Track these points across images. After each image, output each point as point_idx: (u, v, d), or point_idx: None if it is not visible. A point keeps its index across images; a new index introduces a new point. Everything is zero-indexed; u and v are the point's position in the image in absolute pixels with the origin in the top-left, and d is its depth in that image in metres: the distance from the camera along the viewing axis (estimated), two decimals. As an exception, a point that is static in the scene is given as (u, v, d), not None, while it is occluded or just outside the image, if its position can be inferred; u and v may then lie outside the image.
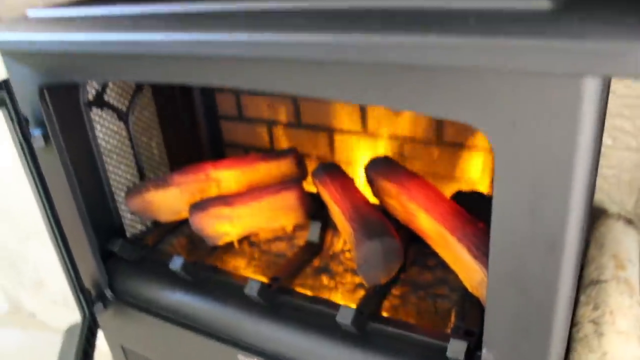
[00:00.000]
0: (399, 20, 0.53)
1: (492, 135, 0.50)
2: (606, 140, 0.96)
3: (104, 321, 1.13)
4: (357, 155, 1.22)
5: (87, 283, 1.08)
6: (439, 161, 1.13)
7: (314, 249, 1.03)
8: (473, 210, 0.84)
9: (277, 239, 1.10)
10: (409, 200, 0.89)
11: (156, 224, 1.18)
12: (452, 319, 0.83)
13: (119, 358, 1.19)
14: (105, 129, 1.09)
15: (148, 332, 1.06)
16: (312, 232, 1.04)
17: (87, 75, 0.84)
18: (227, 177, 1.11)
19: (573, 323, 0.77)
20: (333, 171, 1.06)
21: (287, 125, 1.29)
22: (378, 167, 1.00)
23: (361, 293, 0.90)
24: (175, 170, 1.14)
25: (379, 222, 0.88)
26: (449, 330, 0.79)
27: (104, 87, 1.05)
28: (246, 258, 1.07)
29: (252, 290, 0.87)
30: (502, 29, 0.46)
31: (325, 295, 0.93)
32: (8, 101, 0.87)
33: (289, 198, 1.04)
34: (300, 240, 1.07)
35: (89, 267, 1.06)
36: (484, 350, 0.65)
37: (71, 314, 1.52)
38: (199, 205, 1.02)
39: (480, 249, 0.75)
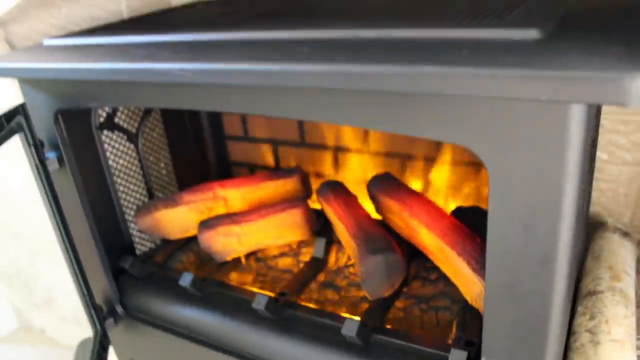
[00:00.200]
0: (400, 50, 0.56)
1: (485, 156, 0.54)
2: (602, 155, 0.99)
3: (114, 336, 1.15)
4: (360, 173, 1.25)
5: (99, 299, 1.11)
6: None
7: (319, 265, 1.06)
8: (472, 226, 0.87)
9: (283, 255, 1.13)
10: (410, 217, 0.93)
11: (165, 241, 1.21)
12: (454, 330, 0.86)
13: (130, 373, 1.22)
14: (115, 150, 1.13)
15: (158, 347, 1.09)
16: (317, 248, 1.07)
17: (100, 101, 0.88)
18: (234, 195, 1.15)
19: (570, 333, 0.80)
20: (337, 189, 1.10)
21: (291, 144, 1.32)
22: (380, 185, 1.03)
23: (365, 306, 0.93)
24: (183, 189, 1.17)
25: (382, 238, 0.91)
26: (450, 341, 0.82)
27: (114, 110, 1.09)
28: (253, 274, 1.10)
29: (259, 305, 0.90)
30: (494, 59, 0.49)
31: (330, 308, 0.96)
32: (25, 126, 0.91)
33: (295, 215, 1.07)
34: (305, 256, 1.10)
35: (100, 284, 1.09)
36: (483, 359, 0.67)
37: (81, 330, 1.55)
38: (208, 223, 1.06)
39: (479, 262, 0.78)
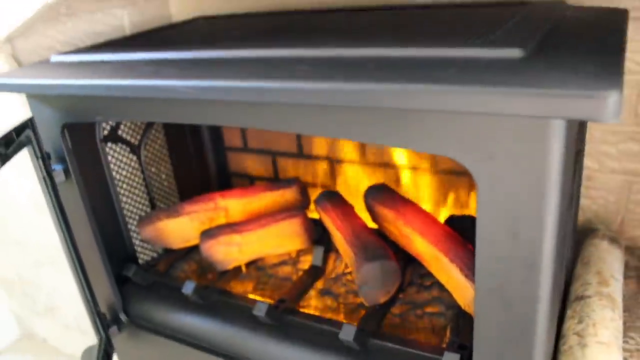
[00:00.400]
0: (393, 68, 0.60)
1: (472, 168, 0.57)
2: (592, 164, 1.02)
3: (118, 343, 1.18)
4: (357, 183, 1.29)
5: (103, 307, 1.13)
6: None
7: (317, 272, 1.09)
8: (465, 233, 0.91)
9: (282, 263, 1.16)
10: (405, 225, 0.96)
11: (167, 250, 1.24)
12: (448, 334, 0.89)
13: (133, 379, 1.24)
14: (118, 162, 1.16)
15: (161, 354, 1.12)
16: (316, 257, 1.10)
17: (106, 116, 0.91)
18: (234, 205, 1.18)
19: (559, 336, 0.83)
20: (334, 199, 1.13)
21: (290, 155, 1.36)
22: (376, 195, 1.07)
23: (362, 312, 0.95)
24: (185, 199, 1.20)
25: (378, 246, 0.95)
26: (444, 345, 0.85)
27: (118, 123, 1.13)
28: (254, 282, 1.13)
29: (260, 311, 0.93)
30: (479, 77, 0.53)
31: (328, 315, 0.99)
32: (33, 139, 0.94)
33: (293, 225, 1.10)
34: (304, 264, 1.14)
35: (104, 292, 1.12)
36: (474, 361, 0.71)
37: (84, 339, 1.57)
38: (209, 233, 1.09)
39: (471, 269, 0.81)
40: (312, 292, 1.05)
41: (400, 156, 1.19)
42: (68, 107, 0.92)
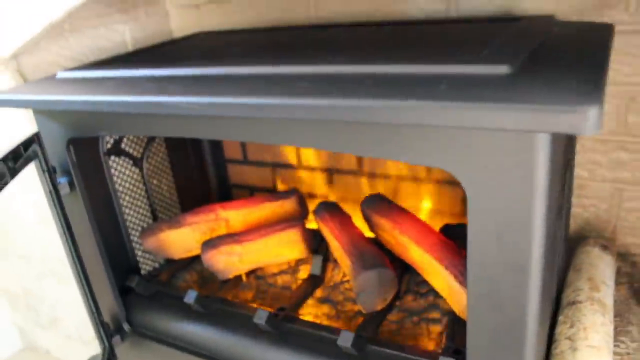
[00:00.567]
0: (387, 85, 0.63)
1: (462, 178, 0.60)
2: (583, 173, 1.05)
3: (121, 353, 1.20)
4: (354, 193, 1.31)
5: (106, 317, 1.16)
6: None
7: (316, 281, 1.11)
8: (459, 241, 0.93)
9: (282, 272, 1.18)
10: (401, 234, 0.99)
11: (169, 261, 1.26)
12: (443, 340, 0.92)
13: (136, 388, 1.26)
14: (121, 175, 1.19)
15: (163, 362, 1.14)
16: (314, 266, 1.13)
17: (110, 130, 0.94)
18: (235, 216, 1.21)
19: (552, 341, 0.85)
20: (332, 209, 1.16)
21: (289, 167, 1.39)
22: (373, 204, 1.09)
23: (360, 319, 0.98)
24: (186, 211, 1.23)
25: (375, 255, 0.97)
26: (440, 351, 0.88)
27: (121, 137, 1.16)
28: (254, 291, 1.15)
29: (260, 319, 0.95)
30: (468, 93, 0.56)
31: (327, 322, 1.01)
32: (40, 153, 0.97)
33: (292, 235, 1.13)
34: (303, 273, 1.16)
35: (107, 302, 1.14)
36: (468, 365, 0.73)
37: (86, 349, 1.59)
38: (210, 243, 1.11)
39: (465, 275, 0.83)
40: (311, 301, 1.08)
41: (396, 167, 1.22)
42: (73, 122, 0.95)
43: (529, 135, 0.55)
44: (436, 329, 0.96)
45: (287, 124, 0.70)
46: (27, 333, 1.84)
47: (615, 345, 0.87)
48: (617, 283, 1.01)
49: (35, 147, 0.95)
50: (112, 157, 1.16)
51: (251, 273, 1.19)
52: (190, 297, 1.05)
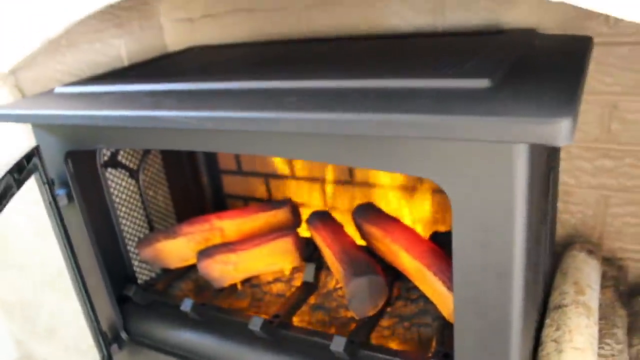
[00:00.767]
0: (374, 98, 0.66)
1: (446, 187, 0.63)
2: (570, 180, 1.08)
3: (119, 361, 1.22)
4: (346, 202, 1.34)
5: (104, 326, 1.17)
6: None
7: (309, 288, 1.14)
8: (447, 248, 0.95)
9: (276, 280, 1.20)
10: (391, 242, 1.01)
11: (165, 270, 1.28)
12: (433, 344, 0.94)
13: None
14: (118, 186, 1.21)
15: (161, 370, 1.16)
16: (308, 273, 1.15)
17: (107, 143, 0.97)
18: (229, 226, 1.23)
19: (538, 343, 0.88)
20: (324, 218, 1.19)
21: (282, 177, 1.41)
22: (364, 213, 1.12)
23: (353, 325, 1.00)
24: (182, 221, 1.25)
25: (365, 262, 1.00)
26: (430, 355, 0.90)
27: (117, 149, 1.18)
28: (249, 298, 1.17)
29: (255, 326, 0.98)
30: (450, 107, 0.59)
31: (321, 328, 1.04)
32: (40, 166, 0.99)
33: (286, 243, 1.15)
34: (297, 281, 1.18)
35: (105, 312, 1.16)
36: (455, 368, 0.76)
37: (83, 359, 1.60)
38: (206, 252, 1.14)
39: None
40: (305, 307, 1.10)
41: (386, 176, 1.25)
42: (71, 135, 0.97)
43: (507, 146, 0.58)
44: (426, 333, 0.98)
45: (277, 136, 0.73)
46: (24, 343, 1.85)
47: (600, 347, 0.89)
48: (603, 286, 1.03)
49: (35, 160, 0.97)
50: (109, 169, 1.18)
51: (246, 281, 1.21)
52: (187, 305, 1.07)
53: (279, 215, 1.26)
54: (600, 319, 0.95)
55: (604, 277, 1.05)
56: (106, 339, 1.17)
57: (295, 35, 1.23)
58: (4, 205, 0.95)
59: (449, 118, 0.56)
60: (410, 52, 0.96)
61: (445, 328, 0.93)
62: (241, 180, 1.48)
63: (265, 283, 1.20)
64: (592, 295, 0.95)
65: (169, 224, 1.37)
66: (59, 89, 1.02)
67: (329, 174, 1.33)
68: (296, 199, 1.40)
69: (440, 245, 0.98)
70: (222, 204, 1.52)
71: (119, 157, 1.20)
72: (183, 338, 1.10)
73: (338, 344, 0.89)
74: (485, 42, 0.89)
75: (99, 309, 1.16)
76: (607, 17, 0.93)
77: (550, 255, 1.03)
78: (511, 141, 0.56)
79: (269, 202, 1.32)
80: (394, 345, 0.98)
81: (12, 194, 0.94)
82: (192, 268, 1.23)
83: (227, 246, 1.15)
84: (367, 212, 1.12)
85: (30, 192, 1.04)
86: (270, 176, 1.43)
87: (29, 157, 0.96)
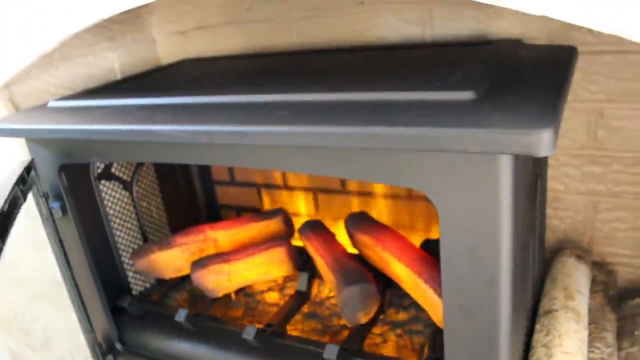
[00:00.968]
0: (361, 111, 0.67)
1: (434, 197, 0.64)
2: (559, 186, 1.09)
3: (114, 373, 1.23)
4: (339, 211, 1.35)
5: (99, 337, 1.18)
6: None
7: (302, 297, 1.15)
8: (439, 256, 0.96)
9: (270, 289, 1.22)
10: (383, 250, 1.02)
11: (160, 281, 1.29)
12: (426, 350, 0.95)
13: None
14: (112, 198, 1.22)
15: (156, 380, 1.17)
16: (301, 282, 1.16)
17: (100, 157, 0.98)
18: (223, 236, 1.24)
19: (529, 348, 0.89)
20: (316, 228, 1.20)
21: (275, 187, 1.42)
22: (356, 222, 1.13)
23: (346, 333, 1.01)
24: (175, 232, 1.26)
25: (357, 270, 1.01)
26: (422, 361, 0.92)
27: (111, 162, 1.19)
28: (243, 308, 1.18)
29: (249, 335, 0.98)
30: (435, 119, 0.60)
31: (314, 337, 1.05)
32: (36, 179, 1.00)
33: (279, 253, 1.16)
34: (290, 290, 1.19)
35: (100, 323, 1.17)
36: (446, 373, 0.77)
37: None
38: (200, 263, 1.14)
39: (443, 288, 0.88)
40: (299, 316, 1.11)
41: (379, 185, 1.26)
42: (65, 149, 0.98)
43: (492, 156, 0.59)
44: (419, 340, 1.00)
45: (268, 149, 0.74)
46: (18, 355, 1.85)
47: (590, 351, 0.91)
48: (593, 291, 1.04)
49: (32, 175, 0.99)
50: (103, 182, 1.19)
51: (240, 291, 1.22)
52: (181, 315, 1.08)
53: (272, 225, 1.27)
54: (590, 323, 0.96)
55: (593, 281, 1.06)
56: (101, 350, 1.17)
57: (287, 47, 1.24)
58: (16, 214, 0.98)
59: (433, 131, 0.57)
60: (398, 64, 0.97)
61: (437, 334, 0.94)
62: (235, 190, 1.49)
63: (259, 292, 1.21)
64: (582, 300, 0.96)
65: (163, 234, 1.38)
66: (52, 103, 1.03)
67: (322, 184, 1.34)
68: (289, 208, 1.41)
69: (431, 253, 0.99)
70: (216, 215, 1.53)
71: (113, 170, 1.21)
72: (177, 348, 1.11)
73: (331, 352, 0.90)
74: (472, 53, 0.91)
75: (93, 320, 1.17)
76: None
77: (539, 261, 1.04)
78: (494, 152, 0.58)
79: (262, 213, 1.33)
80: (386, 352, 0.99)
81: (21, 204, 0.97)
82: (187, 278, 1.24)
83: (221, 256, 1.16)
84: (359, 221, 1.13)
85: (25, 205, 1.05)
86: (264, 186, 1.44)
87: (28, 169, 0.97)
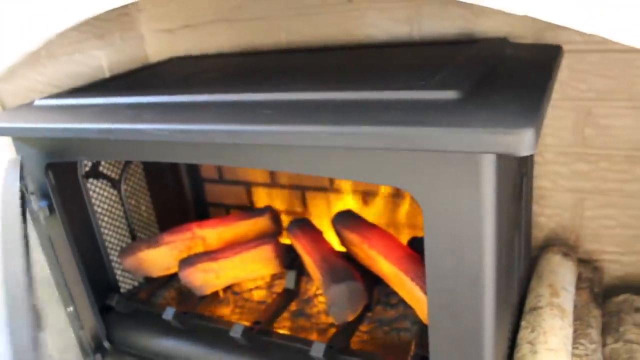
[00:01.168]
0: (345, 111, 0.68)
1: (417, 196, 0.65)
2: (546, 184, 1.10)
3: (103, 371, 1.23)
4: (326, 209, 1.35)
5: (88, 336, 1.18)
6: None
7: (290, 295, 1.15)
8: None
9: (257, 287, 1.22)
10: (369, 248, 1.03)
11: (148, 279, 1.29)
12: (412, 347, 0.96)
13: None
14: (100, 196, 1.22)
15: (144, 378, 1.17)
16: (289, 280, 1.16)
17: (87, 155, 0.98)
18: (211, 234, 1.24)
19: (514, 345, 0.90)
20: (304, 225, 1.20)
21: (263, 185, 1.42)
22: (343, 220, 1.13)
23: (333, 331, 1.02)
24: (164, 230, 1.26)
25: (344, 269, 1.01)
26: (409, 358, 0.92)
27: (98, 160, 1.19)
28: (231, 306, 1.18)
29: (236, 333, 0.99)
30: (418, 119, 0.61)
31: (302, 334, 1.05)
32: (24, 179, 1.00)
33: (267, 251, 1.16)
34: (278, 288, 1.20)
35: (88, 321, 1.17)
36: (431, 370, 0.77)
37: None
38: (187, 261, 1.15)
39: (429, 286, 0.88)
40: (287, 314, 1.11)
41: (367, 184, 1.26)
42: (51, 148, 0.98)
43: (474, 155, 0.60)
44: (406, 337, 1.00)
45: (253, 148, 0.74)
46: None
47: (574, 348, 0.91)
48: (579, 288, 1.05)
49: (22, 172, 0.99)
50: (91, 180, 1.19)
51: (228, 289, 1.22)
52: (169, 313, 1.08)
53: (260, 223, 1.27)
54: (576, 319, 0.97)
55: (579, 278, 1.07)
56: (89, 349, 1.17)
57: (275, 45, 1.24)
58: (25, 209, 1.01)
59: (415, 130, 0.58)
60: (385, 63, 0.98)
61: (424, 332, 0.94)
62: (223, 188, 1.49)
63: (247, 290, 1.21)
64: (567, 297, 0.97)
65: (152, 233, 1.37)
66: (38, 102, 1.03)
67: (310, 182, 1.34)
68: (278, 206, 1.41)
69: (417, 250, 0.99)
70: (204, 213, 1.53)
71: (101, 168, 1.21)
72: (165, 346, 1.11)
73: (317, 350, 0.90)
74: (458, 51, 0.91)
75: (82, 318, 1.16)
76: (577, 25, 0.95)
77: (526, 258, 1.05)
78: (475, 152, 0.58)
79: (250, 210, 1.33)
80: (373, 349, 0.99)
81: (27, 200, 1.00)
82: (175, 276, 1.23)
83: (209, 254, 1.16)
84: (346, 219, 1.14)
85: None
86: (252, 184, 1.44)
87: (22, 167, 0.98)
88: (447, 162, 0.61)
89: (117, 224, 1.27)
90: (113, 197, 1.26)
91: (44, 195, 1.04)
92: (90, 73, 1.28)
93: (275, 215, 1.29)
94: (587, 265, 1.11)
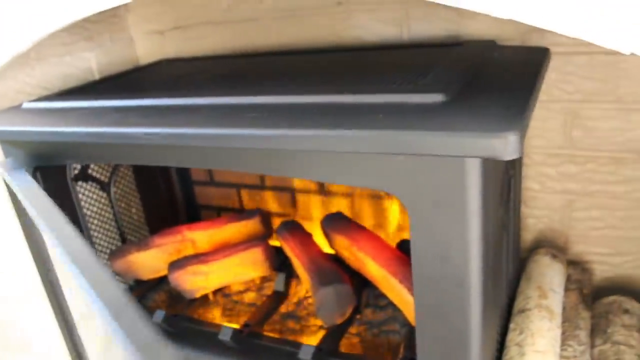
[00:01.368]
0: (329, 114, 0.68)
1: (404, 200, 0.65)
2: (535, 186, 1.10)
3: (92, 375, 1.22)
4: (315, 212, 1.36)
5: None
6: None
7: (280, 297, 1.15)
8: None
9: (247, 289, 1.22)
10: (358, 250, 1.03)
11: (138, 282, 1.28)
12: (401, 350, 0.96)
13: (108, 409, 1.28)
14: (89, 199, 1.21)
15: (134, 382, 1.16)
16: (278, 283, 1.16)
17: (75, 159, 0.97)
18: (200, 237, 1.24)
19: (503, 347, 0.90)
20: (293, 228, 1.20)
21: (254, 187, 1.42)
22: (332, 222, 1.14)
23: (322, 333, 1.02)
24: (154, 232, 1.26)
25: (333, 271, 1.01)
26: (397, 360, 0.92)
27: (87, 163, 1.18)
28: (220, 308, 1.18)
29: (225, 336, 0.99)
30: (402, 122, 0.61)
31: (292, 337, 1.05)
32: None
33: (256, 253, 1.16)
34: (268, 290, 1.20)
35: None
36: (419, 372, 0.77)
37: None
38: (177, 264, 1.14)
39: (418, 288, 0.88)
40: (276, 316, 1.11)
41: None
42: (39, 151, 0.98)
43: (459, 159, 0.60)
44: (395, 340, 1.00)
45: (238, 151, 0.74)
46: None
47: (563, 349, 0.92)
48: (568, 289, 1.05)
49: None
50: (80, 183, 1.18)
51: (218, 291, 1.22)
52: (158, 316, 1.08)
53: (250, 226, 1.27)
54: (564, 321, 0.97)
55: (568, 280, 1.07)
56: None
57: (265, 47, 1.24)
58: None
59: (400, 134, 0.58)
60: (372, 65, 0.98)
61: (413, 334, 0.94)
62: (214, 190, 1.48)
63: (237, 293, 1.21)
64: (555, 299, 0.97)
65: (142, 235, 1.37)
66: (26, 104, 1.03)
67: (300, 184, 1.34)
68: (268, 208, 1.41)
69: (406, 253, 0.99)
70: (195, 215, 1.53)
71: (90, 171, 1.21)
72: (155, 349, 1.11)
73: (306, 353, 0.90)
74: (446, 54, 0.92)
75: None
76: (564, 28, 0.96)
77: (514, 260, 1.05)
78: (460, 155, 0.58)
79: (240, 213, 1.33)
80: (362, 351, 0.99)
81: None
82: (165, 279, 1.23)
83: (198, 257, 1.16)
84: (335, 221, 1.14)
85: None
86: (243, 186, 1.44)
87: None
88: (432, 165, 0.62)
89: (107, 226, 1.27)
90: (102, 200, 1.25)
91: (32, 199, 1.04)
92: (79, 75, 1.28)
93: (265, 217, 1.29)
94: (576, 267, 1.12)
